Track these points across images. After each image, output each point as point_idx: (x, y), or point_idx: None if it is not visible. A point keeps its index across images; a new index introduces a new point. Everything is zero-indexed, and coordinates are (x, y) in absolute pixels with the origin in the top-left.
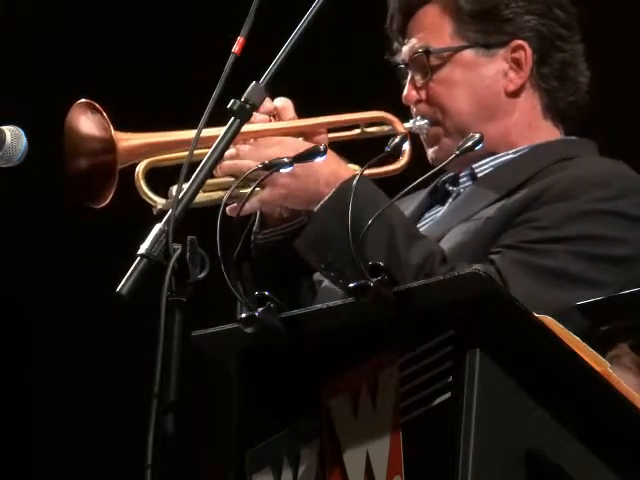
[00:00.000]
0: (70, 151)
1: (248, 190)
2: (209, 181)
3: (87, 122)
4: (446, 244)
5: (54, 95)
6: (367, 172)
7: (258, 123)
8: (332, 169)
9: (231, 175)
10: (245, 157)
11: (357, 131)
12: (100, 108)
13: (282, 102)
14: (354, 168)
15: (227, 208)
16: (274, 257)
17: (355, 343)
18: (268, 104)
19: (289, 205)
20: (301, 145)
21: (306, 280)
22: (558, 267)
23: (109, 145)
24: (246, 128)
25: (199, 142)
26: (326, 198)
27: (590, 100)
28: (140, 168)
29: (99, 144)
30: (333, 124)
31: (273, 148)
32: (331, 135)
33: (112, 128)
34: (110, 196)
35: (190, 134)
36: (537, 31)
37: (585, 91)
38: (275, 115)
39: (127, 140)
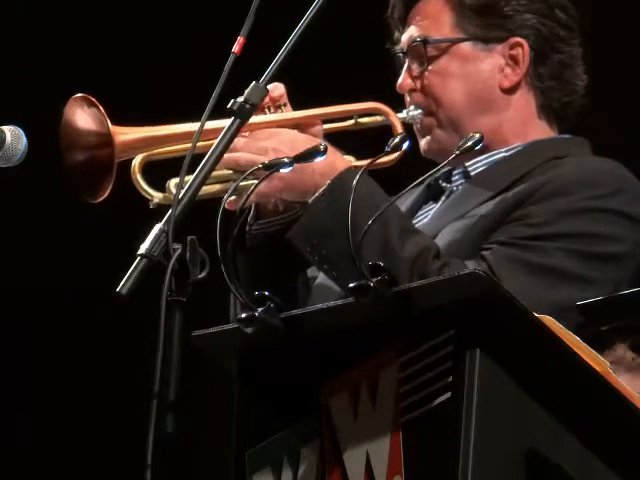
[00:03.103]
0: (67, 145)
1: (245, 183)
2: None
3: (84, 116)
4: (440, 241)
5: (54, 95)
6: (361, 164)
7: (254, 116)
8: (328, 160)
9: (228, 168)
10: (242, 149)
11: (351, 122)
12: (96, 102)
13: (272, 86)
14: (349, 159)
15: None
16: (269, 248)
17: (355, 343)
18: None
19: (285, 197)
20: (297, 137)
21: (301, 273)
22: (550, 264)
23: (106, 139)
24: None
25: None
26: (321, 190)
27: (586, 100)
28: (136, 162)
29: (96, 138)
30: (328, 115)
31: (269, 140)
32: (326, 126)
33: (109, 122)
34: (108, 190)
35: (188, 127)
36: (537, 30)
37: (581, 94)
38: (270, 107)
39: (124, 134)
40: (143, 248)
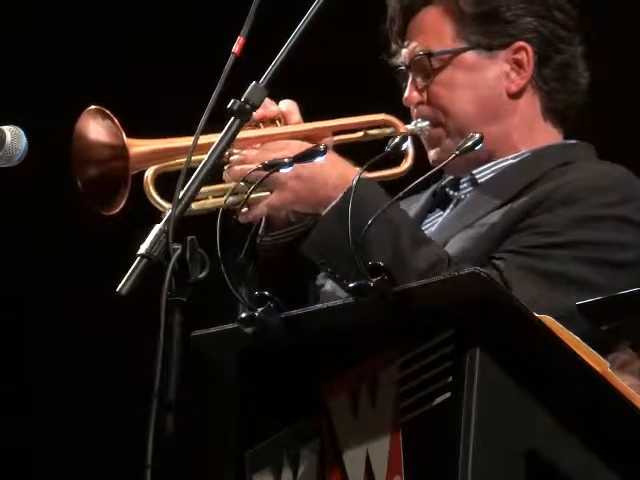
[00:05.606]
0: (81, 159)
1: (257, 195)
2: (218, 187)
3: (98, 129)
4: (450, 250)
5: (54, 95)
6: (372, 175)
7: (264, 128)
8: (339, 172)
9: (239, 180)
10: (253, 162)
11: (360, 134)
12: (111, 114)
13: (287, 105)
14: (358, 171)
15: (237, 214)
16: (280, 259)
17: (355, 343)
18: (273, 108)
19: (297, 209)
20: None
21: (311, 282)
22: (562, 272)
23: (121, 152)
24: (252, 133)
25: (205, 147)
26: (334, 202)
27: (588, 102)
28: (149, 173)
29: (111, 151)
30: (338, 127)
31: (280, 152)
32: (336, 138)
33: (124, 134)
34: (123, 202)
35: (203, 139)
36: (538, 33)
37: (584, 92)
38: (281, 119)
39: (139, 146)
40: (143, 248)
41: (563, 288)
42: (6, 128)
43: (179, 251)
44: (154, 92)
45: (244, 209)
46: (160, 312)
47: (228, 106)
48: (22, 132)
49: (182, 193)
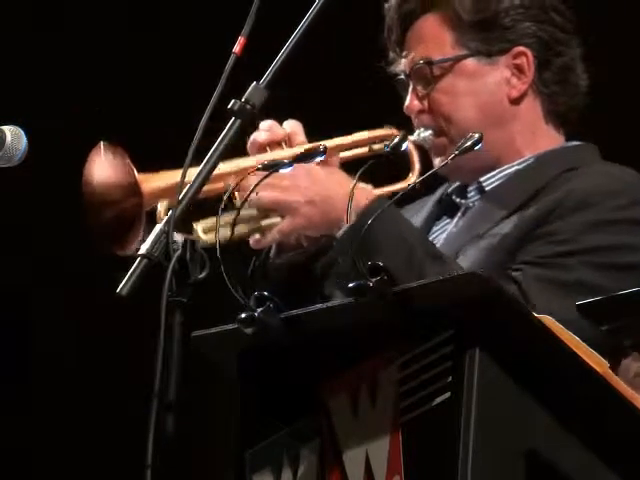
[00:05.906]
0: (94, 203)
1: (270, 221)
2: (228, 216)
3: (108, 168)
4: (463, 262)
5: (54, 94)
6: (379, 190)
7: (271, 152)
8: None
9: (250, 206)
10: (264, 189)
11: (365, 149)
12: (122, 151)
13: (291, 126)
14: (367, 187)
15: (250, 241)
16: (292, 276)
17: (355, 343)
18: (279, 131)
19: (309, 234)
20: (314, 170)
21: (321, 297)
22: (578, 281)
23: (134, 189)
24: (261, 157)
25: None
26: (347, 226)
27: (588, 103)
28: (162, 208)
29: (124, 190)
30: (345, 146)
31: (288, 175)
32: (342, 155)
33: (135, 171)
34: (139, 240)
35: (216, 169)
36: (537, 37)
37: (584, 94)
38: (286, 141)
39: (151, 182)
40: (143, 248)
41: (581, 297)
42: (6, 128)
43: (179, 251)
44: (154, 92)
45: (257, 236)
46: (160, 312)
47: (229, 106)
48: (22, 132)
49: (182, 194)
